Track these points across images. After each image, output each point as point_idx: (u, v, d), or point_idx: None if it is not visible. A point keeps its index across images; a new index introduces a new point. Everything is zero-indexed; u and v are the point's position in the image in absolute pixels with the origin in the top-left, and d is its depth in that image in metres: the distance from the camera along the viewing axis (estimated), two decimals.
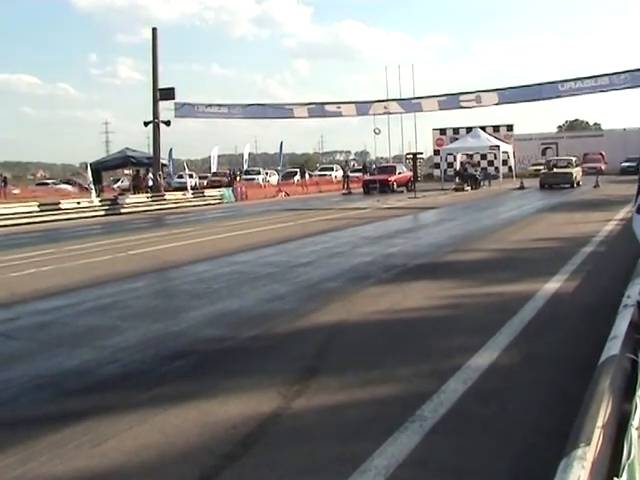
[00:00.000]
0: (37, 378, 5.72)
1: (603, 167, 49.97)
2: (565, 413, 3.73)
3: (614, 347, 3.10)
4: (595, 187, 33.19)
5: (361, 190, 40.71)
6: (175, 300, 9.45)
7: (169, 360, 6.09)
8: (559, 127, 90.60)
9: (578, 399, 3.33)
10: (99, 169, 38.43)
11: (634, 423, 2.55)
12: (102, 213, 29.29)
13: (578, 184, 35.79)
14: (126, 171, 47.04)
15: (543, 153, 56.74)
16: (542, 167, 41.22)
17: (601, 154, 52.71)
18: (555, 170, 36.67)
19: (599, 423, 2.42)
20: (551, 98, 37.29)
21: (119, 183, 54.41)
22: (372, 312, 7.60)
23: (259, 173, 58.88)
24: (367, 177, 43.38)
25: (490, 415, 4.42)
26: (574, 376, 4.78)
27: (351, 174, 47.84)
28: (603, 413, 2.52)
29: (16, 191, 56.17)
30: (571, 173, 35.60)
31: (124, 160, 40.63)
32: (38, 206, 27.62)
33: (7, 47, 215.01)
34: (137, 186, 39.29)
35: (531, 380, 5.10)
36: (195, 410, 4.75)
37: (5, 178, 56.02)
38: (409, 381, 5.16)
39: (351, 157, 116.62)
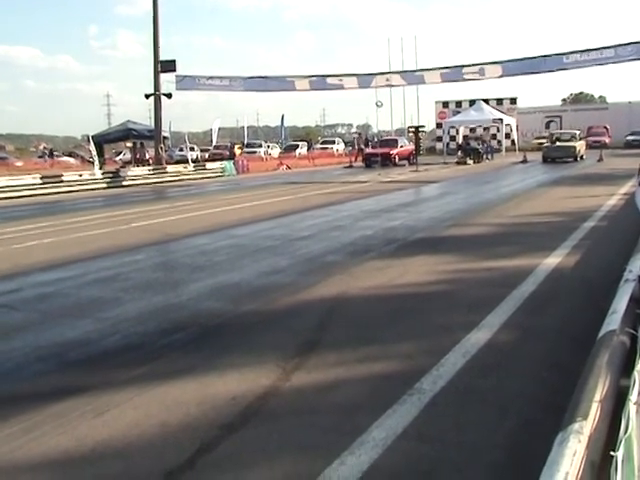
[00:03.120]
0: (40, 349, 5.76)
1: (607, 140, 49.67)
2: (563, 387, 3.73)
3: (613, 322, 3.10)
4: (599, 161, 33.04)
5: (362, 164, 40.55)
6: (176, 272, 9.47)
7: (169, 332, 6.11)
8: (563, 100, 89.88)
9: (577, 374, 3.34)
10: (101, 142, 38.30)
11: (632, 398, 2.56)
12: (104, 186, 29.20)
13: (582, 158, 35.65)
14: (128, 144, 46.85)
15: (547, 126, 56.42)
16: (545, 140, 41.02)
17: (605, 127, 52.35)
18: (558, 144, 36.48)
19: (597, 397, 2.43)
20: (555, 70, 36.92)
21: (121, 156, 54.22)
22: (372, 286, 7.61)
23: (260, 146, 58.65)
24: (369, 150, 43.15)
25: (488, 388, 4.44)
26: (573, 351, 4.79)
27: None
28: (601, 388, 2.52)
29: (19, 163, 56.01)
30: (574, 147, 35.41)
31: (126, 133, 40.44)
32: (41, 178, 27.55)
33: (7, 19, 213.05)
34: (138, 159, 39.15)
35: (530, 354, 5.12)
36: (195, 382, 4.78)
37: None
38: (408, 355, 5.18)
39: (353, 130, 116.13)
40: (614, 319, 3.13)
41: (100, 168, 31.70)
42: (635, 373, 2.70)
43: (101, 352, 5.62)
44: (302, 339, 5.67)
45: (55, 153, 61.18)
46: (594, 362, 2.75)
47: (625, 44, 33.81)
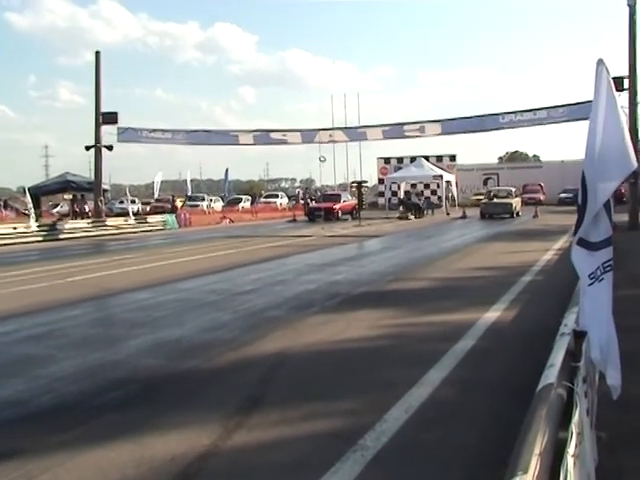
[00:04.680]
0: None
1: (542, 197, 51.21)
2: (505, 440, 3.75)
3: (551, 375, 3.14)
4: (534, 217, 33.95)
5: (305, 218, 40.76)
6: (114, 329, 9.27)
7: (106, 391, 5.94)
8: (500, 158, 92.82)
9: (517, 426, 3.36)
10: (38, 193, 37.52)
11: (570, 450, 2.59)
12: (40, 239, 28.57)
13: (518, 214, 36.58)
14: (66, 196, 46.14)
15: (485, 183, 57.79)
16: (483, 197, 42.01)
17: (540, 185, 53.99)
18: (495, 200, 37.48)
19: (536, 451, 2.44)
20: (492, 130, 38.10)
21: (58, 208, 53.31)
22: (315, 341, 7.57)
23: (203, 199, 58.53)
24: (312, 204, 43.44)
25: (432, 443, 4.44)
26: (514, 404, 4.82)
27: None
28: (540, 441, 2.53)
29: None
30: (511, 203, 36.41)
31: (64, 185, 39.80)
32: None
33: None
34: (77, 211, 38.52)
35: (472, 408, 5.15)
36: (132, 443, 4.64)
37: None
38: (351, 411, 5.15)
39: (296, 184, 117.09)
40: (551, 372, 3.17)
41: (36, 220, 31.06)
42: (572, 425, 2.74)
43: (33, 413, 5.41)
44: (244, 396, 5.58)
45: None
46: (533, 415, 2.77)
47: (557, 106, 35.20)
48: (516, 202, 37.39)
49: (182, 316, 9.54)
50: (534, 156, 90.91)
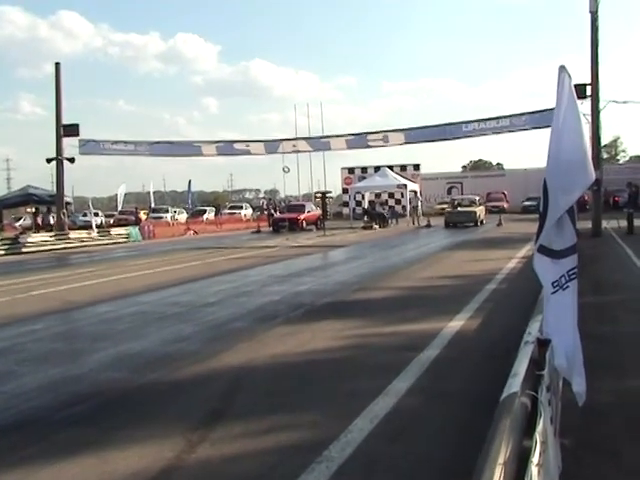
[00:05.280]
0: None
1: (506, 206, 51.89)
2: (469, 450, 3.75)
3: (515, 384, 3.15)
4: (498, 225, 34.32)
5: (270, 229, 40.69)
6: (76, 342, 9.12)
7: (67, 405, 5.84)
8: (464, 167, 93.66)
9: (482, 436, 3.36)
10: None
11: (534, 460, 2.59)
12: (2, 252, 28.18)
13: (482, 222, 36.93)
14: (28, 209, 45.56)
15: (449, 192, 58.31)
16: (447, 206, 42.33)
17: (503, 193, 54.67)
18: (459, 209, 37.76)
19: (500, 460, 2.44)
20: (455, 138, 38.37)
21: (21, 221, 52.56)
22: (279, 353, 7.53)
23: (167, 211, 58.11)
24: (277, 215, 43.41)
25: (396, 454, 4.42)
26: (477, 413, 4.83)
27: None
28: (504, 450, 2.53)
29: None
30: (475, 212, 36.71)
31: (26, 198, 39.36)
32: None
33: None
34: (39, 224, 38.02)
35: (436, 418, 5.15)
36: (94, 458, 4.56)
37: None
38: (316, 422, 5.12)
39: (261, 195, 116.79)
40: (515, 382, 3.17)
41: None
42: (536, 435, 2.74)
43: None
44: (207, 409, 5.53)
45: None
46: (497, 425, 2.77)
47: (520, 114, 35.57)
48: (480, 210, 37.75)
49: (144, 329, 9.43)
50: (497, 164, 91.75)
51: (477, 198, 40.24)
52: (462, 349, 7.46)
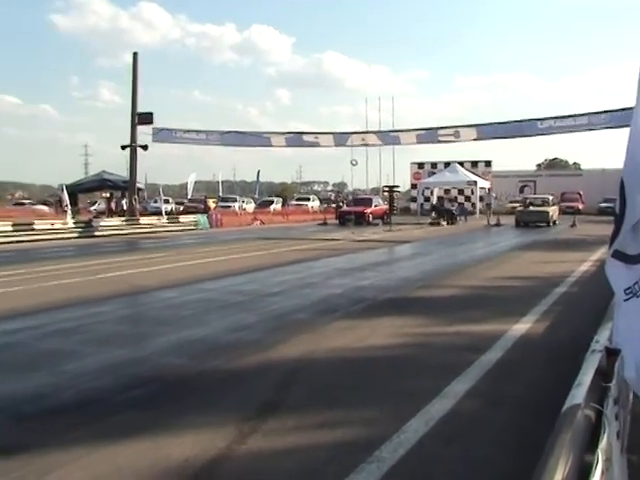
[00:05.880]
0: None
1: (581, 206, 50.34)
2: (528, 459, 3.61)
3: (578, 395, 2.98)
4: (572, 226, 33.39)
5: (336, 221, 40.63)
6: (140, 326, 9.29)
7: (127, 388, 5.92)
8: (538, 165, 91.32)
9: (541, 445, 3.22)
10: (75, 191, 38.17)
11: (594, 478, 2.44)
12: (76, 235, 28.94)
13: (554, 223, 35.94)
14: (103, 194, 46.76)
15: (521, 191, 57.10)
16: (519, 204, 41.40)
17: (579, 193, 53.10)
18: (532, 208, 36.76)
19: (558, 477, 2.30)
20: (530, 135, 37.58)
21: (95, 206, 53.98)
22: (338, 347, 7.46)
23: (235, 201, 58.75)
24: (343, 208, 43.33)
25: (451, 458, 4.31)
26: (539, 421, 4.67)
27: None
28: (563, 466, 2.39)
29: None
30: (547, 212, 35.71)
31: (100, 183, 40.40)
32: (12, 226, 27.25)
33: None
34: (112, 209, 38.95)
35: (495, 423, 4.99)
36: (148, 441, 4.59)
37: None
38: (370, 420, 5.03)
39: (329, 188, 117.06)
40: (579, 392, 3.01)
41: (73, 217, 31.47)
42: (598, 451, 2.59)
43: (52, 408, 5.40)
44: (263, 400, 5.51)
45: (30, 201, 60.76)
46: (557, 437, 2.63)
47: (599, 112, 34.53)
48: (553, 210, 36.69)
49: (207, 316, 9.50)
50: (574, 164, 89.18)
51: (550, 198, 39.08)
52: (526, 353, 7.25)
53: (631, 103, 3.10)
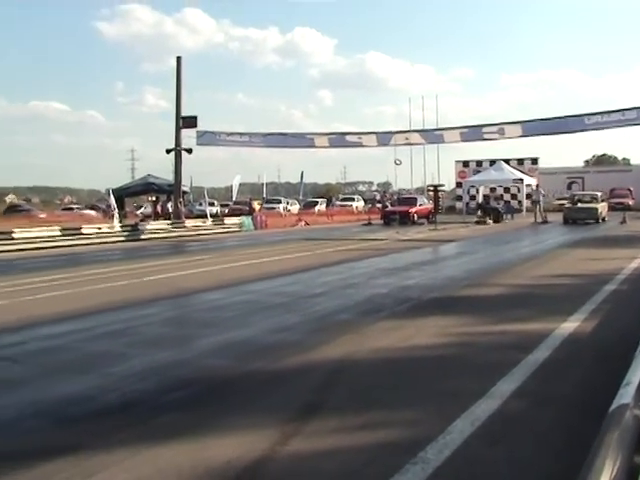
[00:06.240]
0: (37, 404, 5.62)
1: (631, 203, 49.14)
2: (575, 460, 3.52)
3: (627, 395, 2.90)
4: (622, 223, 32.70)
5: (381, 221, 40.48)
6: (185, 328, 9.37)
7: (171, 390, 5.96)
8: (586, 161, 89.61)
9: (589, 446, 3.14)
10: (122, 195, 38.65)
11: None
12: (123, 239, 29.37)
13: (603, 220, 35.21)
14: (149, 198, 47.39)
15: (569, 187, 56.11)
16: (567, 201, 40.69)
17: (629, 189, 51.95)
18: (580, 205, 36.10)
19: (605, 478, 2.23)
20: (576, 131, 36.99)
21: (142, 209, 54.75)
22: (382, 347, 7.40)
23: (280, 202, 59.02)
24: (388, 208, 43.15)
25: (497, 459, 4.22)
26: (587, 421, 4.54)
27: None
28: (610, 466, 2.32)
29: (42, 215, 56.78)
30: (596, 208, 35.00)
31: (146, 187, 40.87)
32: (60, 231, 27.79)
33: (38, 75, 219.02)
34: (158, 213, 39.42)
35: (542, 423, 4.88)
36: (191, 443, 4.60)
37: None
38: (414, 421, 4.97)
39: (373, 188, 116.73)
40: (628, 392, 2.93)
41: (120, 221, 31.93)
42: None
43: (98, 409, 5.45)
44: (305, 401, 5.48)
45: (78, 206, 61.93)
46: (604, 438, 2.55)
47: None
48: (602, 207, 35.94)
49: (250, 317, 9.53)
50: (624, 159, 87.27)
51: (599, 194, 38.31)
52: (574, 352, 7.09)
53: None
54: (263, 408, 5.35)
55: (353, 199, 66.29)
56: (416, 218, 39.18)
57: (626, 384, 3.08)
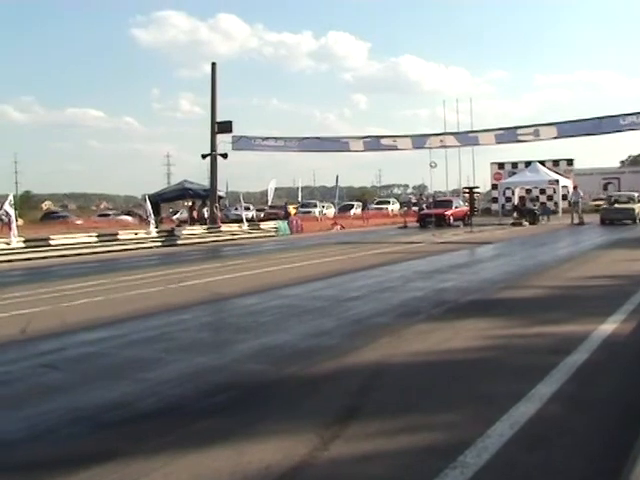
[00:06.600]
0: (74, 411, 5.69)
1: None
2: (614, 466, 3.48)
3: None
4: None
5: (417, 224, 40.34)
6: (221, 333, 9.43)
7: (208, 395, 5.99)
8: (622, 162, 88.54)
9: (629, 451, 3.11)
10: (157, 201, 39.10)
11: None
12: (159, 244, 29.68)
13: None
14: (185, 203, 47.84)
15: (605, 188, 55.54)
16: (603, 202, 40.21)
17: None
18: (616, 206, 35.79)
19: None
20: (612, 132, 36.54)
21: (178, 215, 55.24)
22: (419, 350, 7.38)
23: (315, 206, 59.13)
24: (424, 211, 43.00)
25: (536, 464, 4.18)
26: (627, 426, 4.49)
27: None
28: None
29: (79, 222, 57.64)
30: (633, 209, 34.64)
31: (182, 192, 41.30)
32: (97, 237, 28.20)
33: (75, 82, 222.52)
34: (195, 218, 39.75)
35: (580, 428, 4.83)
36: (229, 449, 4.62)
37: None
38: (452, 424, 4.95)
39: (409, 191, 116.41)
40: None
41: (156, 227, 32.28)
42: None
43: (136, 415, 5.51)
44: (343, 405, 5.48)
45: (114, 212, 62.70)
46: None
47: None
48: (639, 207, 35.55)
49: (287, 322, 9.56)
50: None
51: (636, 195, 37.81)
52: (613, 354, 7.00)
53: None
54: (301, 413, 5.37)
55: (388, 202, 66.25)
56: (452, 220, 39.01)
57: None
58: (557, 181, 45.22)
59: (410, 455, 4.39)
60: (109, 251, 26.59)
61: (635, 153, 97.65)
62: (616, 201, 36.87)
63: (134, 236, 29.89)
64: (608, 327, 8.25)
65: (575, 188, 42.42)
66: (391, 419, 5.13)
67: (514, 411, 5.12)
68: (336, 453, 4.46)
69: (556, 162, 53.48)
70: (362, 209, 57.15)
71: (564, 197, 46.21)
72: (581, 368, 6.38)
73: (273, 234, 36.58)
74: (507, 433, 4.67)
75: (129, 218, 58.92)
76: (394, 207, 63.20)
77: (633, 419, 4.40)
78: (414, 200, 64.51)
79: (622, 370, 6.43)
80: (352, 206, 60.81)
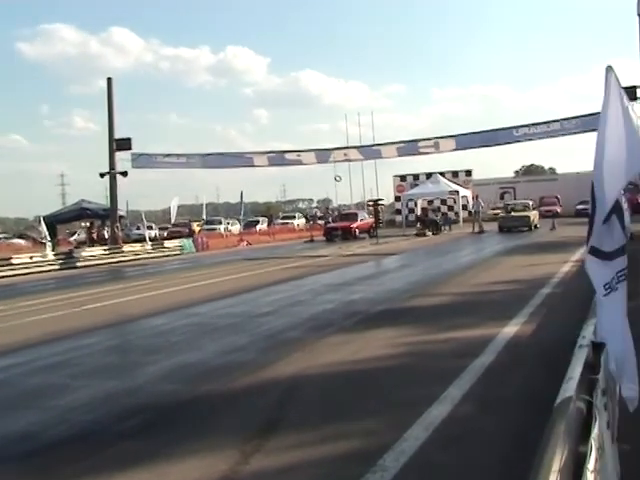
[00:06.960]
0: None
1: (559, 210, 50.80)
2: (524, 457, 3.65)
3: (569, 388, 3.04)
4: (552, 229, 33.67)
5: (323, 238, 40.65)
6: (130, 355, 9.25)
7: (122, 419, 5.87)
8: (516, 172, 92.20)
9: (537, 443, 3.26)
10: (53, 222, 37.66)
11: (589, 466, 2.50)
12: (57, 267, 28.69)
13: (535, 227, 36.29)
14: (83, 224, 46.46)
15: (501, 197, 57.48)
16: (500, 211, 41.74)
17: (557, 197, 53.60)
18: (513, 214, 37.23)
19: (555, 467, 2.35)
20: (507, 143, 38.12)
21: (75, 236, 53.60)
22: (333, 362, 7.48)
23: (220, 223, 58.62)
24: (330, 224, 43.42)
25: (451, 463, 4.34)
26: (533, 419, 4.71)
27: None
28: (559, 457, 2.44)
29: None
30: (528, 216, 36.14)
31: (79, 212, 39.95)
32: None
33: None
34: (94, 239, 38.65)
35: (491, 425, 5.04)
36: (149, 472, 4.58)
37: None
38: (370, 431, 5.05)
39: (313, 205, 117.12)
40: (570, 386, 3.07)
41: (53, 249, 31.22)
42: (591, 440, 2.65)
43: (44, 445, 5.31)
44: (262, 420, 5.51)
45: (4, 235, 60.36)
46: (552, 430, 2.67)
47: (570, 118, 35.28)
48: (533, 215, 37.11)
49: (198, 340, 9.49)
50: (550, 169, 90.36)
51: (530, 203, 39.51)
52: (517, 354, 7.32)
53: (599, 108, 3.19)
54: (220, 429, 5.36)
55: (294, 217, 66.34)
56: (358, 233, 39.57)
57: (568, 379, 3.22)
58: (457, 192, 46.55)
59: (331, 463, 4.47)
60: (3, 277, 25.45)
61: (528, 163, 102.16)
62: (513, 209, 38.34)
63: (29, 260, 28.67)
64: (511, 329, 8.62)
65: (476, 198, 43.88)
66: (310, 430, 5.20)
67: (428, 414, 5.28)
68: (257, 466, 4.48)
69: (455, 173, 55.11)
70: (268, 224, 57.19)
71: (464, 207, 47.68)
72: (488, 369, 6.65)
73: (178, 252, 36.10)
74: (422, 435, 4.82)
75: (22, 241, 56.65)
76: (300, 222, 63.38)
77: (539, 415, 4.61)
78: (320, 214, 65.09)
79: (526, 369, 6.72)
80: (258, 222, 60.62)
